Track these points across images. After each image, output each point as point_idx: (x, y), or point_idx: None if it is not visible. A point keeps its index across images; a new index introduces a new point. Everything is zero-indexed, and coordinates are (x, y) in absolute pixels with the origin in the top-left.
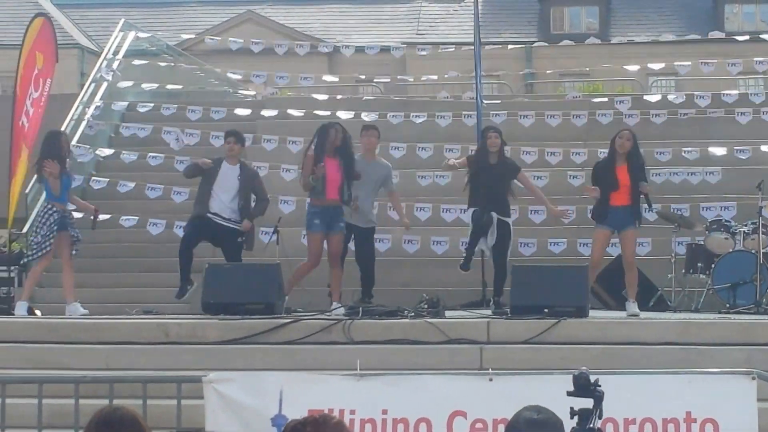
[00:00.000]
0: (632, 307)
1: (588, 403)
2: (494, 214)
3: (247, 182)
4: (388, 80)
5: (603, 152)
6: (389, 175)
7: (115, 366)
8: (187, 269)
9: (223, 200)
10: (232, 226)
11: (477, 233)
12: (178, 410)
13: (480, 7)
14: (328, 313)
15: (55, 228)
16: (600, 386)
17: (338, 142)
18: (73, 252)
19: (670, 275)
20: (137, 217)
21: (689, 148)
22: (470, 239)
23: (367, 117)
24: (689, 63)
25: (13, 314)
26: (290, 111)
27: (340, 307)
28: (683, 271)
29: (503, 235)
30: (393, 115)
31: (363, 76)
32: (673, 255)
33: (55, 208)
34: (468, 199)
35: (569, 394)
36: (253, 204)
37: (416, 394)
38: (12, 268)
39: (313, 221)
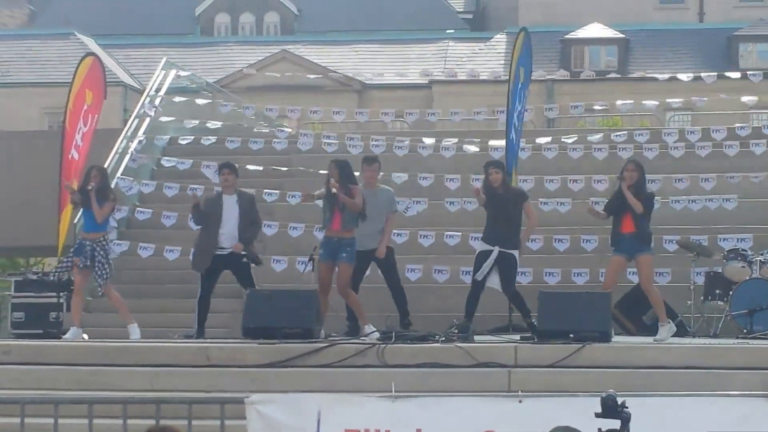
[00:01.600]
0: (662, 331)
1: (615, 424)
2: (496, 248)
3: (246, 208)
4: (417, 115)
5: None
6: (392, 198)
7: (160, 387)
8: (205, 316)
9: (229, 231)
10: (233, 251)
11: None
12: (222, 430)
13: (504, 46)
14: (362, 338)
15: (71, 254)
16: (627, 408)
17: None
18: (98, 288)
19: (689, 302)
20: (180, 248)
21: (706, 175)
22: (471, 293)
23: (399, 150)
24: (706, 98)
25: (62, 338)
26: (324, 145)
27: (374, 331)
28: (702, 298)
29: (506, 268)
30: (422, 147)
31: (391, 110)
32: (692, 283)
33: (79, 237)
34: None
35: (597, 415)
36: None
37: (449, 415)
38: (61, 294)
39: (320, 251)
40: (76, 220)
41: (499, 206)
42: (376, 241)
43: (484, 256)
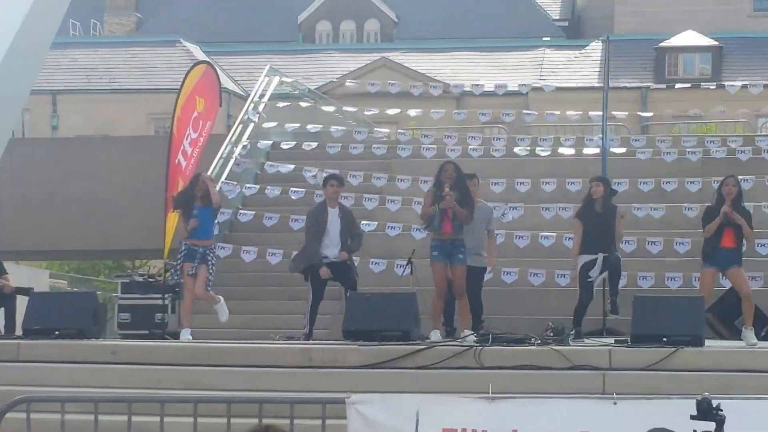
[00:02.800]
0: (748, 335)
1: (710, 426)
2: (600, 255)
3: (347, 221)
4: (513, 116)
5: (716, 182)
6: (489, 216)
7: (262, 388)
8: (314, 319)
9: (333, 242)
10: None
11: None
12: (323, 429)
13: (599, 54)
14: (459, 340)
15: (180, 259)
16: (721, 411)
17: (451, 179)
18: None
19: None
20: (281, 251)
21: None
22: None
23: (496, 153)
24: None
25: (167, 339)
26: (422, 150)
27: (471, 334)
28: None
29: (613, 268)
30: (519, 150)
31: (489, 111)
32: None
33: (185, 242)
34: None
35: (692, 417)
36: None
37: (545, 416)
38: (166, 296)
39: (432, 253)
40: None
41: (597, 221)
42: (473, 258)
43: (589, 265)
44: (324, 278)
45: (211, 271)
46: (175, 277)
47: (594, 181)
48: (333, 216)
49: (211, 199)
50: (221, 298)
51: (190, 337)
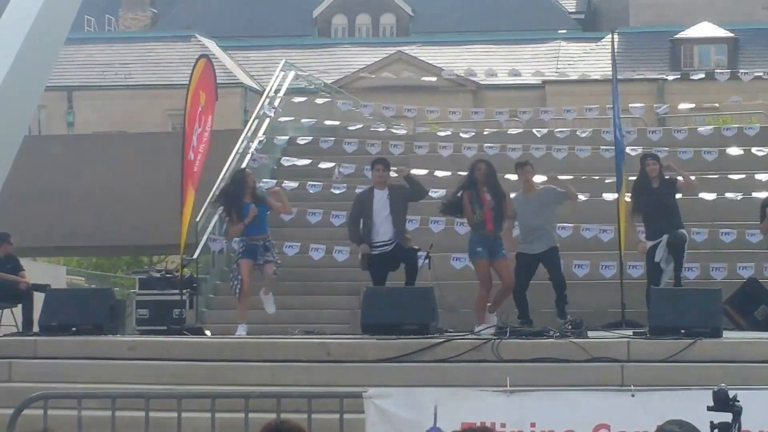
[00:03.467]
0: None
1: (727, 417)
2: (665, 237)
3: (396, 198)
4: (530, 113)
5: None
6: (557, 193)
7: (281, 382)
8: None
9: (381, 224)
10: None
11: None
12: (341, 424)
13: (616, 46)
14: (476, 333)
15: (239, 256)
16: (738, 401)
17: (483, 177)
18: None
19: None
20: (299, 244)
21: None
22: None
23: (512, 152)
24: None
25: (186, 334)
26: (439, 148)
27: (485, 327)
28: None
29: (677, 249)
30: (536, 148)
31: (505, 110)
32: None
33: (242, 239)
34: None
35: (709, 408)
36: None
37: (563, 409)
38: (184, 291)
39: (476, 249)
40: (198, 218)
41: (655, 200)
42: (545, 243)
43: (653, 249)
44: (365, 253)
45: (274, 257)
46: (235, 282)
47: (649, 159)
48: (380, 197)
49: (286, 209)
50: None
51: (244, 333)
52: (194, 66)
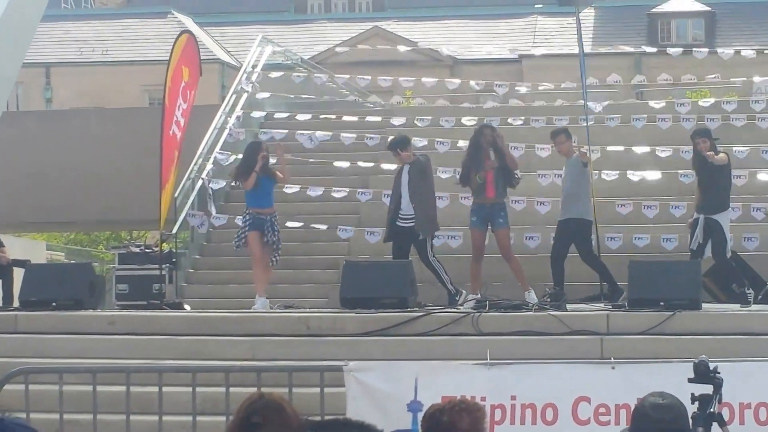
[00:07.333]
0: None
1: (708, 389)
2: (701, 216)
3: (414, 175)
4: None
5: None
6: (578, 161)
7: (261, 357)
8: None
9: (406, 198)
10: (411, 224)
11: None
12: (321, 397)
13: (592, 20)
14: (460, 306)
15: (247, 228)
16: (719, 373)
17: (489, 142)
18: (273, 260)
19: None
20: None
21: None
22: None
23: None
24: None
25: (165, 309)
26: (416, 120)
27: (475, 298)
28: None
29: (712, 233)
30: (513, 119)
31: (482, 82)
32: None
33: (248, 212)
34: None
35: (690, 380)
36: None
37: (543, 381)
38: (163, 266)
39: (471, 218)
40: (177, 194)
41: (709, 174)
42: (569, 211)
43: (694, 224)
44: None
45: (277, 238)
46: (239, 243)
47: (698, 137)
48: (404, 173)
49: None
50: None
51: (261, 307)
52: (175, 41)
